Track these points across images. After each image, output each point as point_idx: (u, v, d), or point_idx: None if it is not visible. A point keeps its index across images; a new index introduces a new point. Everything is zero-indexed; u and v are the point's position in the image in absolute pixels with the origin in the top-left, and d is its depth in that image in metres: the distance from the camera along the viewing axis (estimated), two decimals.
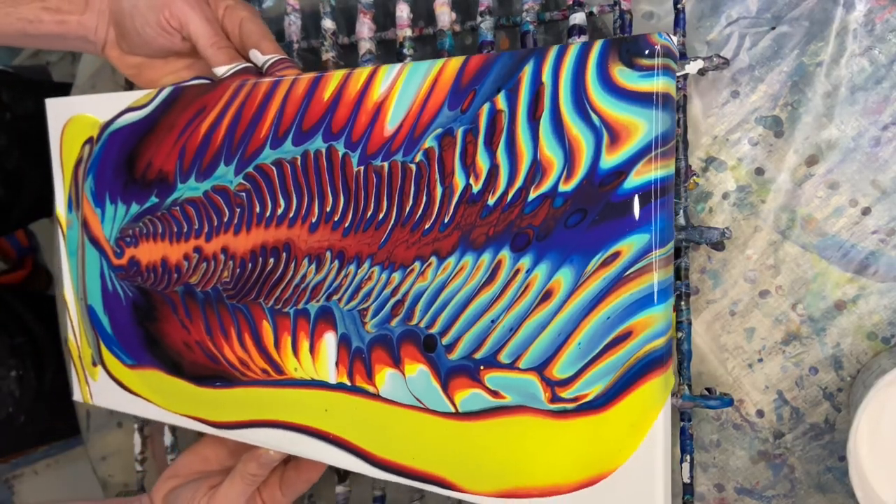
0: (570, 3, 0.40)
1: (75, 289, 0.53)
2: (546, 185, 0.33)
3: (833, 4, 0.39)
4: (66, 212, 0.53)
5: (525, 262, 0.33)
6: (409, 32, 0.45)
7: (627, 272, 0.31)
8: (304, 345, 0.41)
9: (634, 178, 0.31)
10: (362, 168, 0.39)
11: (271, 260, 0.43)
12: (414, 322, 0.37)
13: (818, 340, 0.40)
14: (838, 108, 0.39)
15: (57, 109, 0.53)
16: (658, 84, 0.30)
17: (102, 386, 0.51)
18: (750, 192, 0.41)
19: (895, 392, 0.35)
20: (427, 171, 0.37)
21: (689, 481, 0.39)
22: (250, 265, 0.43)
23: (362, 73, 0.39)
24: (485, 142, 0.35)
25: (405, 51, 0.45)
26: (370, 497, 0.46)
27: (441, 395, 0.36)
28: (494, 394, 0.35)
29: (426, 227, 0.37)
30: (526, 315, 0.33)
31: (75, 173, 0.52)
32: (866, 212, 0.39)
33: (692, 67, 0.37)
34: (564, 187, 0.32)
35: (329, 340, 0.40)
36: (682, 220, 0.38)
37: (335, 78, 0.40)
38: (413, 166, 0.37)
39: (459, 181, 0.36)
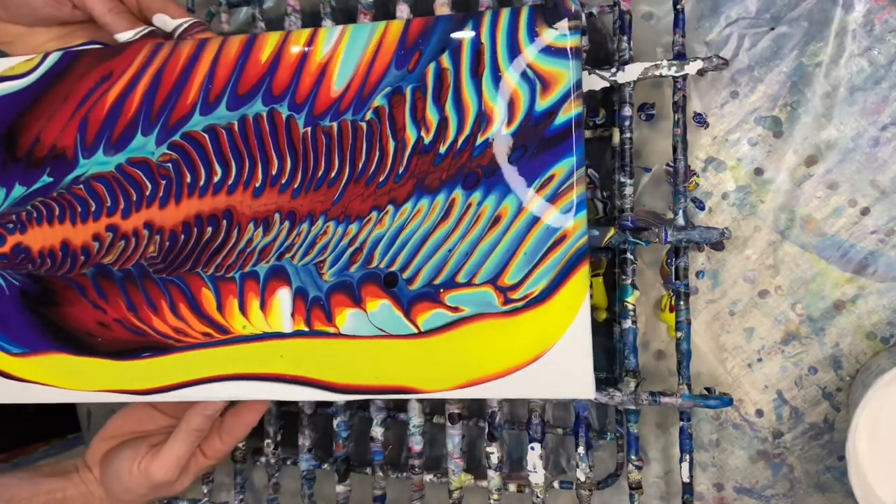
0: None
1: None
2: (491, 131, 0.37)
3: (832, 5, 0.39)
4: None
5: (476, 196, 0.38)
6: None
7: (559, 190, 0.37)
8: (254, 303, 0.41)
9: (562, 116, 0.36)
10: (309, 129, 0.39)
11: (209, 229, 0.41)
12: (374, 265, 0.39)
13: (817, 340, 0.40)
14: (837, 109, 0.39)
15: None
16: (572, 41, 0.36)
17: None
18: (749, 192, 0.41)
19: (894, 392, 0.35)
20: (378, 127, 0.39)
21: (688, 481, 0.39)
22: (183, 237, 0.42)
23: (301, 35, 0.40)
24: (433, 98, 0.38)
25: None
26: (370, 497, 0.46)
27: (404, 321, 0.39)
28: (454, 309, 0.38)
29: (381, 179, 0.39)
30: (479, 240, 0.38)
31: None
32: (865, 212, 0.39)
33: (691, 68, 0.37)
34: (507, 130, 0.37)
35: (283, 296, 0.40)
36: (681, 220, 0.38)
37: (271, 40, 0.40)
38: (363, 124, 0.39)
39: (411, 135, 0.38)
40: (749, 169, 0.41)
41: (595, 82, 0.39)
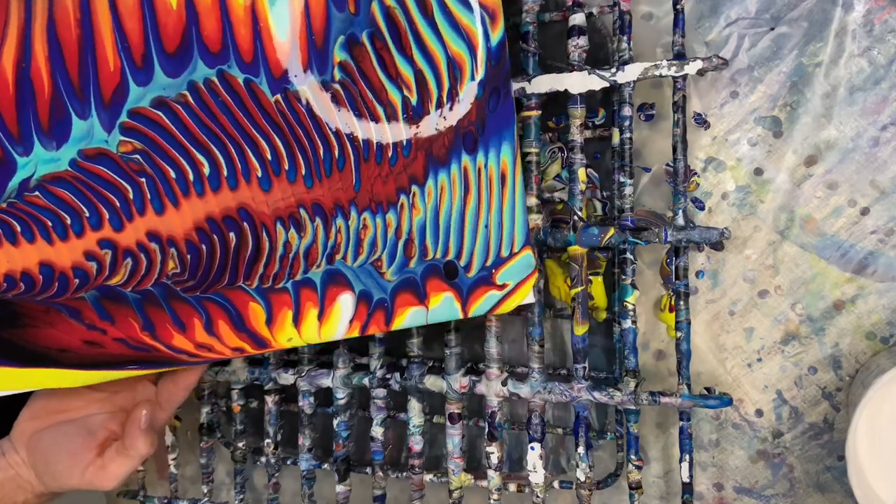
0: (570, 3, 0.40)
1: None
2: (466, 80, 0.35)
3: (832, 5, 0.39)
4: None
5: (481, 158, 0.36)
6: None
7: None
8: (312, 313, 0.38)
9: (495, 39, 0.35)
10: (280, 97, 0.35)
11: (231, 235, 0.37)
12: (430, 256, 0.38)
13: (817, 340, 0.40)
14: (837, 109, 0.39)
15: None
16: None
17: None
18: (749, 192, 0.41)
19: (894, 391, 0.35)
20: (355, 88, 0.35)
21: (688, 481, 0.39)
22: (204, 247, 0.37)
23: None
24: (396, 46, 0.35)
25: None
26: (370, 497, 0.46)
27: (458, 312, 0.39)
28: (502, 287, 0.38)
29: (389, 155, 0.36)
30: (501, 205, 0.37)
31: None
32: (865, 212, 0.39)
33: (691, 68, 0.37)
34: (478, 76, 0.36)
35: (345, 301, 0.38)
36: (681, 220, 0.38)
37: None
38: (338, 87, 0.35)
39: (395, 96, 0.35)
40: (749, 169, 0.41)
41: (595, 82, 0.39)
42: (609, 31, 0.43)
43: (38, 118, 0.35)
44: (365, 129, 0.36)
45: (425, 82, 0.35)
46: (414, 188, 0.37)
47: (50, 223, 0.37)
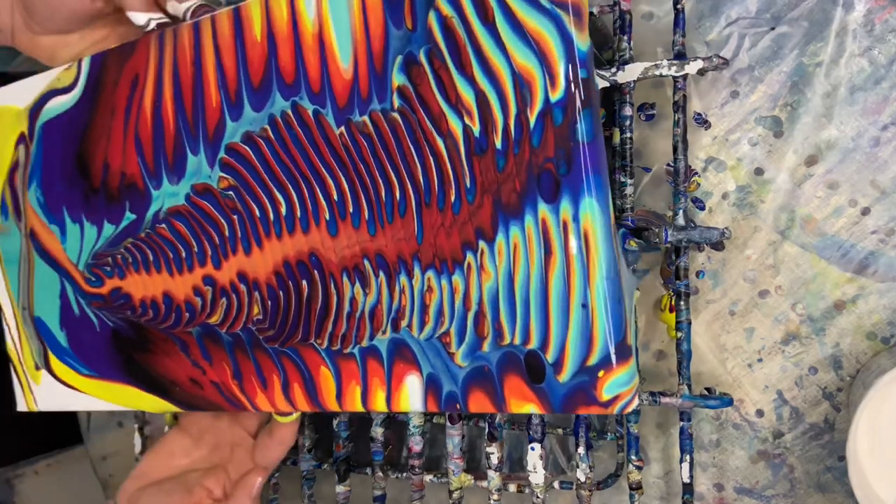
0: None
1: (15, 297, 0.46)
2: (539, 101, 0.29)
3: (832, 5, 0.39)
4: (1, 217, 0.46)
5: (566, 209, 0.29)
6: None
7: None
8: (379, 395, 0.34)
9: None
10: (344, 129, 0.33)
11: (304, 283, 0.35)
12: (507, 341, 0.31)
13: (818, 340, 0.40)
14: (838, 109, 0.39)
15: None
16: None
17: (47, 389, 0.46)
18: (749, 192, 0.41)
19: (894, 392, 0.35)
20: (414, 117, 0.32)
21: (688, 481, 0.39)
22: (281, 294, 0.36)
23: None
24: (455, 64, 0.30)
25: None
26: (370, 497, 0.46)
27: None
28: (608, 404, 0.30)
29: (452, 199, 0.31)
30: (595, 278, 0.29)
31: (10, 179, 0.44)
32: (866, 212, 0.39)
33: (691, 68, 0.37)
34: (554, 95, 0.28)
35: (412, 385, 0.33)
36: (681, 220, 0.38)
37: (255, 8, 0.34)
38: (396, 115, 0.32)
39: (454, 124, 0.31)
40: (749, 169, 0.41)
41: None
42: (609, 30, 0.43)
43: (165, 153, 0.38)
44: (425, 166, 0.32)
45: (488, 106, 0.30)
46: (481, 244, 0.31)
47: (171, 255, 0.39)
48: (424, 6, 0.31)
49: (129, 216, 0.40)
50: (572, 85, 0.28)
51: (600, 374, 0.29)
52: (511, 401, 0.31)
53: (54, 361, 0.45)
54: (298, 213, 0.35)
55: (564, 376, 0.30)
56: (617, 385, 0.29)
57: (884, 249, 0.39)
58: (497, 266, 0.31)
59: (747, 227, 0.41)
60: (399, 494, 0.49)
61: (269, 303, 0.36)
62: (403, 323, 0.33)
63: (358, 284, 0.34)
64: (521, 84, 0.29)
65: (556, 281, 0.29)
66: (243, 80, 0.35)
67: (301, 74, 0.34)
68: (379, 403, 0.34)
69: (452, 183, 0.31)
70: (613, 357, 0.29)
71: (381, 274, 0.33)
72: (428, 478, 0.45)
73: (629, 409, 0.30)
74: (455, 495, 0.43)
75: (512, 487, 0.44)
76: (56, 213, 0.43)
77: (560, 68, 0.28)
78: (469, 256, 0.32)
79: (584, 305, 0.29)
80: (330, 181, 0.34)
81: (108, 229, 0.41)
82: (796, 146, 0.40)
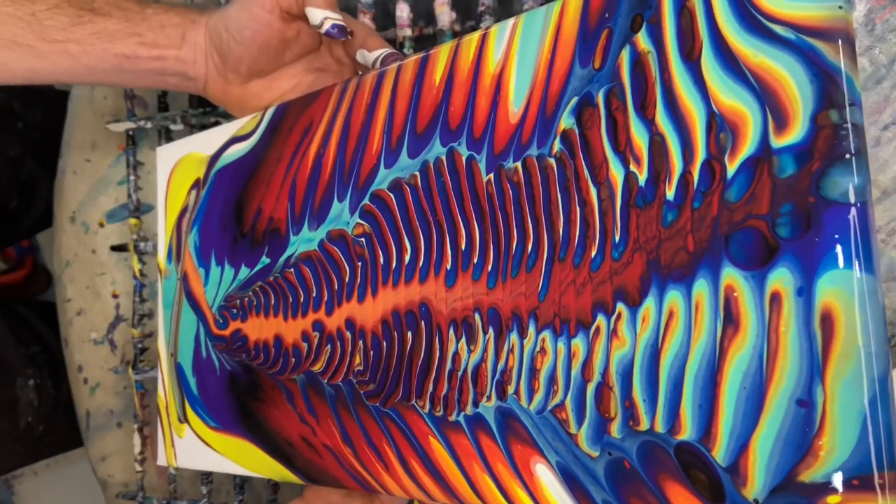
0: None
1: (167, 343, 0.46)
2: (747, 147, 0.24)
3: None
4: (166, 261, 0.45)
5: (783, 278, 0.23)
6: (409, 32, 0.45)
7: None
8: (514, 486, 0.29)
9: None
10: (492, 176, 0.30)
11: (409, 333, 0.32)
12: (644, 426, 0.25)
13: None
14: None
15: (167, 154, 0.46)
16: None
17: (189, 444, 0.44)
18: None
19: (894, 391, 0.35)
20: (571, 163, 0.28)
21: None
22: (385, 343, 0.33)
23: (472, 39, 0.31)
24: (634, 105, 0.26)
25: (405, 51, 0.45)
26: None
27: None
28: None
29: (592, 254, 0.27)
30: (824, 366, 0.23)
31: (178, 224, 0.45)
32: None
33: None
34: (781, 140, 0.23)
35: (543, 474, 0.28)
36: None
37: (444, 52, 0.32)
38: (552, 161, 0.28)
39: (616, 172, 0.26)
40: None
41: None
42: None
43: (314, 200, 0.37)
44: (569, 217, 0.28)
45: (664, 151, 0.25)
46: (619, 307, 0.26)
47: (291, 299, 0.38)
48: (620, 42, 0.27)
49: (265, 260, 0.39)
50: (837, 128, 0.22)
51: (830, 499, 0.21)
52: None
53: (189, 412, 0.44)
54: (421, 263, 0.32)
55: (754, 490, 0.22)
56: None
57: (884, 249, 0.39)
58: (637, 334, 0.26)
59: None
60: None
61: (372, 352, 0.34)
62: (510, 389, 0.29)
63: (464, 339, 0.30)
64: (721, 127, 0.24)
65: (739, 362, 0.23)
66: (409, 126, 0.33)
67: (467, 118, 0.31)
68: (517, 494, 0.29)
69: (597, 237, 0.27)
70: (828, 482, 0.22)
71: (491, 329, 0.30)
72: None
73: None
74: None
75: None
76: (204, 256, 0.43)
77: (797, 108, 0.23)
78: (600, 319, 0.27)
79: (798, 402, 0.22)
80: (462, 230, 0.31)
81: (244, 272, 0.40)
82: None
